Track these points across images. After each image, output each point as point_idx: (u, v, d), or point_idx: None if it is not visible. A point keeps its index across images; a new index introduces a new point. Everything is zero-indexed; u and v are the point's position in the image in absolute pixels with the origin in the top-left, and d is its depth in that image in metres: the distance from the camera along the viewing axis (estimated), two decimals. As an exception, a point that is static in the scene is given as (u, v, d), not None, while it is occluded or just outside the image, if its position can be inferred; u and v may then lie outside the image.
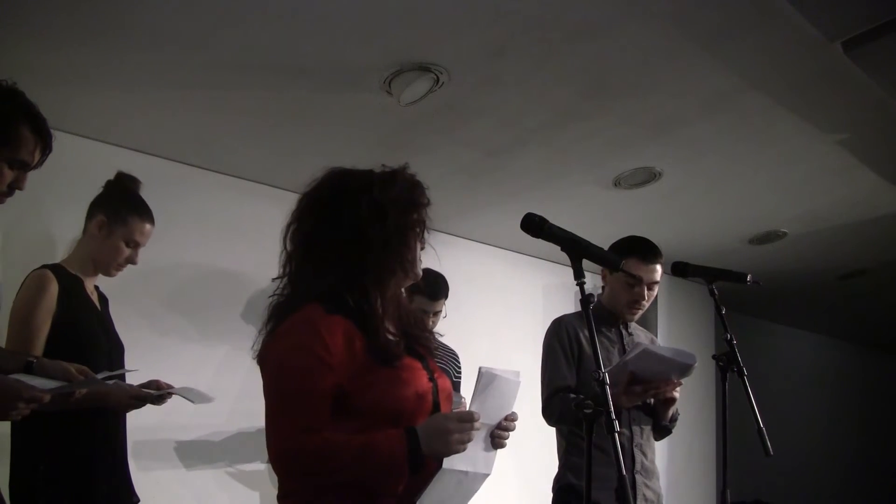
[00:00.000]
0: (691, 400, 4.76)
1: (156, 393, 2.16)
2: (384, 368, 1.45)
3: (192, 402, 2.25)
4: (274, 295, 1.54)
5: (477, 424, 1.43)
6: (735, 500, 2.24)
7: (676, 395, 2.34)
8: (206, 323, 3.13)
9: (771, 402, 4.36)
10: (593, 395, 1.58)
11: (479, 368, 1.50)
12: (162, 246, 2.69)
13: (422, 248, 1.60)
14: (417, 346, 1.59)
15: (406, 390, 1.46)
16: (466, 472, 1.48)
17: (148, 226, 2.30)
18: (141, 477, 2.38)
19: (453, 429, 1.39)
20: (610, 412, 1.44)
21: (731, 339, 2.17)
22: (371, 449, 1.36)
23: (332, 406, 1.40)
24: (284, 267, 1.55)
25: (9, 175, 1.57)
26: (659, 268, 2.50)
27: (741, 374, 2.12)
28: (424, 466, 1.39)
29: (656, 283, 2.50)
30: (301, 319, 1.43)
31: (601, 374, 1.48)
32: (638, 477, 2.36)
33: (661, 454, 4.46)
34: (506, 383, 1.55)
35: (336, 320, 1.43)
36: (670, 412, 2.43)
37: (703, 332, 5.12)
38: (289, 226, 1.56)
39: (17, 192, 1.64)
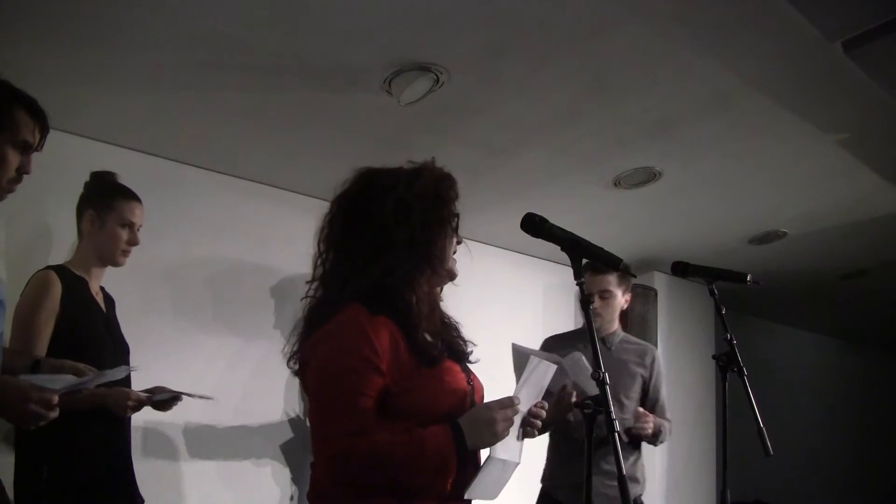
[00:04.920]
0: (691, 400, 4.77)
1: (155, 397, 2.17)
2: (427, 370, 1.44)
3: (189, 395, 2.27)
4: (306, 297, 1.53)
5: (519, 408, 1.43)
6: (735, 500, 2.25)
7: (647, 429, 2.52)
8: (208, 323, 3.12)
9: (771, 402, 4.34)
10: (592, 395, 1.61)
11: (531, 357, 1.51)
12: (162, 246, 2.69)
13: (459, 242, 1.60)
14: (453, 348, 1.58)
15: (449, 392, 1.46)
16: (504, 461, 1.48)
17: (135, 203, 2.32)
18: (147, 477, 2.39)
19: (498, 417, 1.39)
20: (610, 412, 1.45)
21: (731, 339, 2.18)
22: (419, 447, 1.35)
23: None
24: (316, 269, 1.54)
25: (15, 160, 1.58)
26: (610, 277, 2.66)
27: (741, 374, 2.12)
28: (471, 461, 1.38)
29: (607, 291, 2.68)
30: (346, 321, 1.41)
31: (601, 374, 1.48)
32: (596, 478, 2.46)
33: (661, 454, 4.48)
34: (546, 369, 1.55)
35: (381, 321, 1.41)
36: (648, 439, 2.60)
37: (703, 332, 5.11)
38: (321, 229, 1.55)
39: (16, 193, 1.64)
